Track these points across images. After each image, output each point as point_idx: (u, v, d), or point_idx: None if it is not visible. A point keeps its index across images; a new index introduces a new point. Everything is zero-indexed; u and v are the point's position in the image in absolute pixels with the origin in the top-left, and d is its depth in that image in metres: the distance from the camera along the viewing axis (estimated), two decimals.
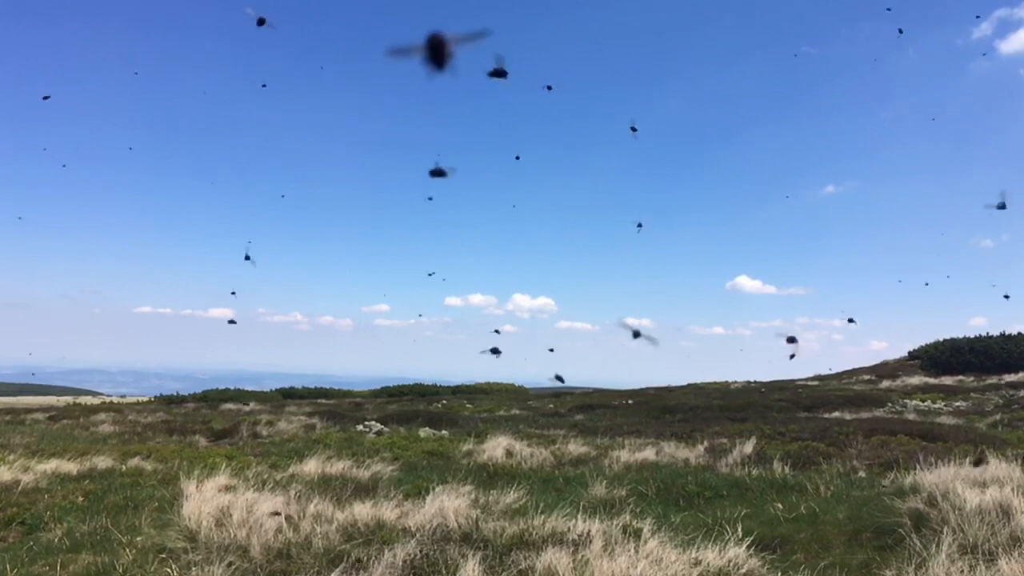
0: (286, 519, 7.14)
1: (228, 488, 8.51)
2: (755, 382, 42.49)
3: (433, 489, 8.54)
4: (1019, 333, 43.23)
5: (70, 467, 11.57)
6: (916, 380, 37.71)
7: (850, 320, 14.25)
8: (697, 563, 6.00)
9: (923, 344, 46.47)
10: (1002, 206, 6.83)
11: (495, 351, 4.57)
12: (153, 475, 11.15)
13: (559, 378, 4.61)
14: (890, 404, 25.39)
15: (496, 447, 13.65)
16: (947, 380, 36.92)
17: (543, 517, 7.11)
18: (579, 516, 7.04)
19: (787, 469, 10.68)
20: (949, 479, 7.66)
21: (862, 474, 10.39)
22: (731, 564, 6.03)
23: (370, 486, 9.67)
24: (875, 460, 11.28)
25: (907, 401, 26.20)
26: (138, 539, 7.27)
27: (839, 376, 44.22)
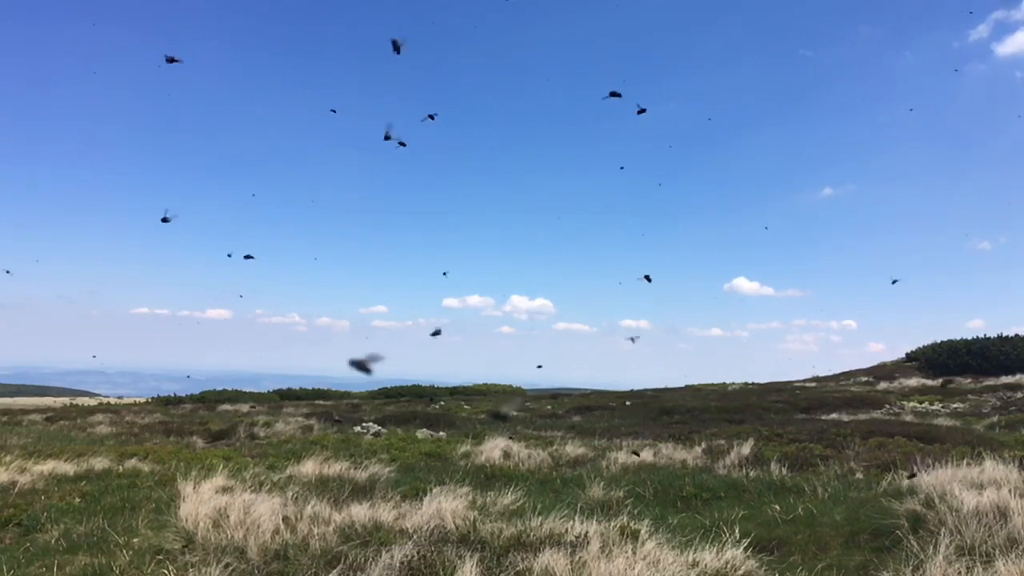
0: (283, 520, 7.13)
1: (225, 489, 8.49)
2: (753, 384, 42.51)
3: (431, 491, 8.53)
4: (1016, 335, 43.21)
5: (67, 468, 11.54)
6: (913, 382, 37.68)
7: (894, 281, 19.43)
8: (695, 564, 6.00)
9: (920, 346, 46.46)
10: (639, 110, 6.46)
11: (436, 333, 4.41)
12: (150, 476, 11.12)
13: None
14: (887, 406, 25.39)
15: (493, 448, 13.64)
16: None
17: (540, 518, 7.10)
18: (576, 517, 7.04)
19: (784, 471, 10.68)
20: (946, 481, 7.68)
21: (859, 476, 10.40)
22: (728, 566, 6.03)
23: (367, 487, 9.66)
24: (872, 462, 11.28)
25: (904, 403, 26.21)
26: (135, 540, 7.26)
27: (836, 378, 44.21)
